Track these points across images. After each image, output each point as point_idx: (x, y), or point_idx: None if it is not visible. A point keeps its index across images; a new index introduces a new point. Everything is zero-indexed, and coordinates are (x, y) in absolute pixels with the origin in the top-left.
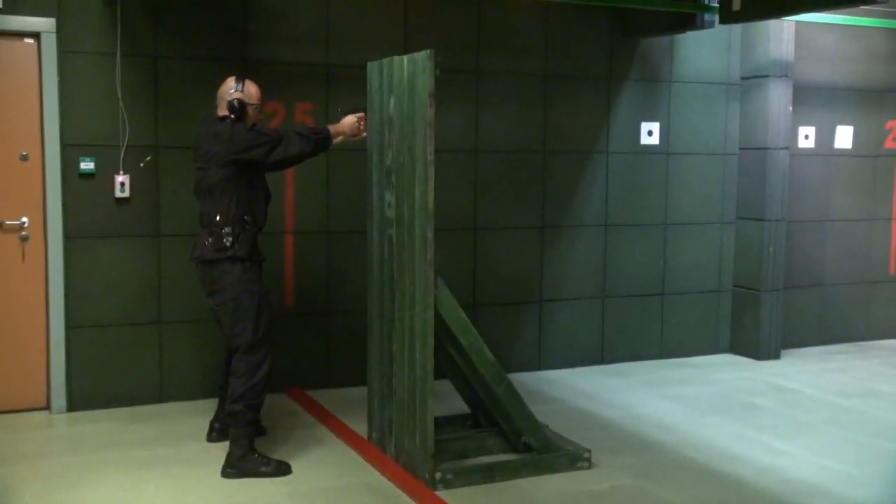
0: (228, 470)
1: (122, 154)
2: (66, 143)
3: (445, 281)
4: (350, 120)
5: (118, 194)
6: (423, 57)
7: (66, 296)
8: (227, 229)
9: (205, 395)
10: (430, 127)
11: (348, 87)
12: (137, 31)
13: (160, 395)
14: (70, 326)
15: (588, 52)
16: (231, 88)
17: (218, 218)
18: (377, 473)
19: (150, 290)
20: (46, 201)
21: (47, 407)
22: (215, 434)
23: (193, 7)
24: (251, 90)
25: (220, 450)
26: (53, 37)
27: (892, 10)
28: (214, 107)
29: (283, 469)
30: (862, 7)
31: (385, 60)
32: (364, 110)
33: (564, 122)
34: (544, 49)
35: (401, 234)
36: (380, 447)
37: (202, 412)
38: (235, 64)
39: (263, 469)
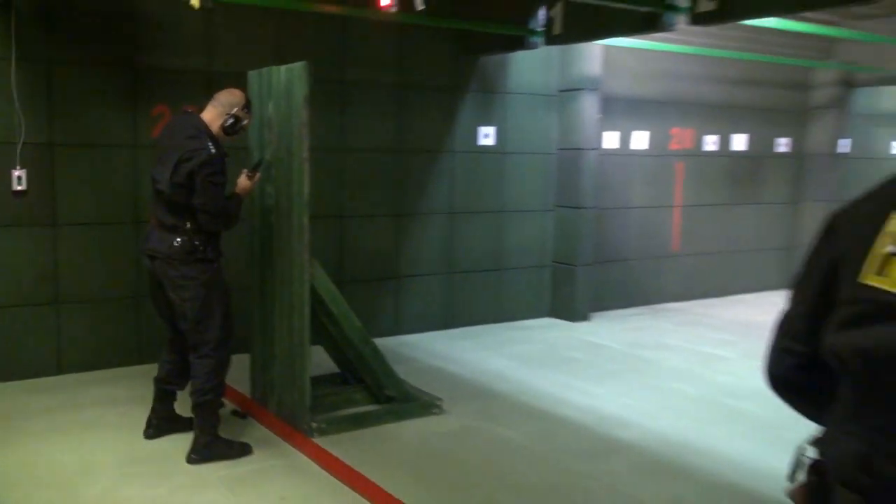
0: (193, 456)
1: (18, 150)
2: None
3: (319, 259)
4: (243, 183)
5: (15, 187)
6: (298, 67)
7: None
8: (196, 233)
9: (101, 367)
10: (305, 128)
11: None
12: (31, 37)
13: (58, 367)
14: None
15: (435, 67)
16: (239, 105)
17: (189, 224)
18: (260, 426)
19: (48, 273)
20: None
21: None
22: (152, 430)
23: (84, 17)
24: (251, 118)
25: (121, 413)
26: None
27: (677, 37)
28: (185, 110)
29: (245, 451)
30: (654, 34)
31: (265, 69)
32: (257, 167)
33: (416, 126)
34: (399, 64)
35: (279, 221)
36: (262, 404)
37: (100, 382)
38: (125, 70)
39: (227, 452)
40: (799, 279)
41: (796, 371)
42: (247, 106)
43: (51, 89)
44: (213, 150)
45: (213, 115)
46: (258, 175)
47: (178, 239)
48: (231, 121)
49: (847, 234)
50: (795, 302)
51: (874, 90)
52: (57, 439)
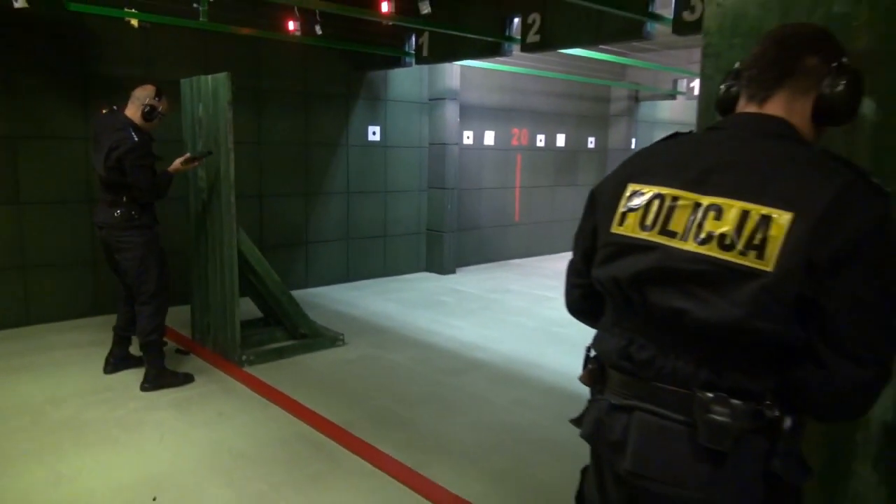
0: (146, 385)
1: None
2: None
3: (244, 229)
4: (175, 164)
5: None
6: (222, 76)
7: None
8: (132, 204)
9: (65, 318)
10: (230, 124)
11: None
12: None
13: (27, 319)
14: None
15: (333, 79)
16: (150, 95)
17: (124, 199)
18: (200, 360)
19: (13, 243)
20: None
21: None
22: (110, 367)
23: (41, 30)
24: (165, 104)
25: (83, 354)
26: None
27: (515, 60)
28: (114, 106)
29: (188, 379)
30: (497, 58)
31: (194, 78)
32: (200, 157)
33: (318, 125)
34: (304, 76)
35: (211, 199)
36: (201, 343)
37: (63, 330)
38: (76, 76)
39: (173, 381)
40: (576, 236)
41: (581, 299)
42: (158, 95)
43: (10, 91)
44: (136, 139)
45: (133, 109)
46: (196, 163)
47: (118, 211)
48: (147, 108)
49: (601, 201)
50: (575, 252)
51: (652, 103)
52: (27, 377)
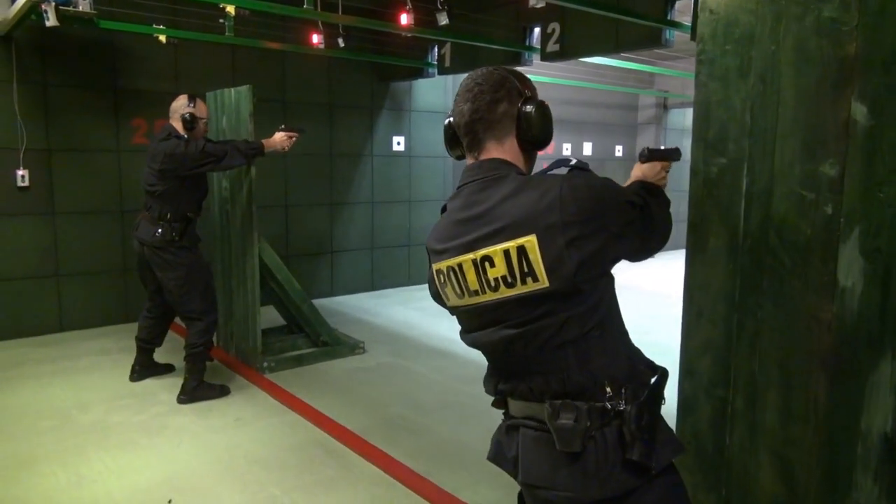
0: (182, 397)
1: (21, 155)
2: None
3: (266, 239)
4: (280, 136)
5: (20, 184)
6: (245, 89)
7: None
8: (175, 224)
9: (95, 325)
10: (251, 136)
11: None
12: (29, 64)
13: (60, 326)
14: None
15: (357, 90)
16: (185, 104)
17: (169, 216)
18: (222, 366)
19: (48, 252)
20: None
21: None
22: (136, 375)
23: (73, 47)
24: (201, 107)
25: (111, 360)
26: None
27: (538, 70)
28: (166, 122)
29: (224, 391)
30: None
31: (219, 91)
32: (297, 132)
33: (343, 136)
34: (328, 88)
35: (234, 209)
36: (224, 349)
37: (93, 337)
38: (108, 91)
39: (210, 393)
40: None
41: None
42: (191, 100)
43: (47, 106)
44: (185, 138)
45: (175, 121)
46: (294, 139)
47: (159, 230)
48: (187, 116)
49: (430, 277)
50: None
51: (681, 111)
52: (57, 381)
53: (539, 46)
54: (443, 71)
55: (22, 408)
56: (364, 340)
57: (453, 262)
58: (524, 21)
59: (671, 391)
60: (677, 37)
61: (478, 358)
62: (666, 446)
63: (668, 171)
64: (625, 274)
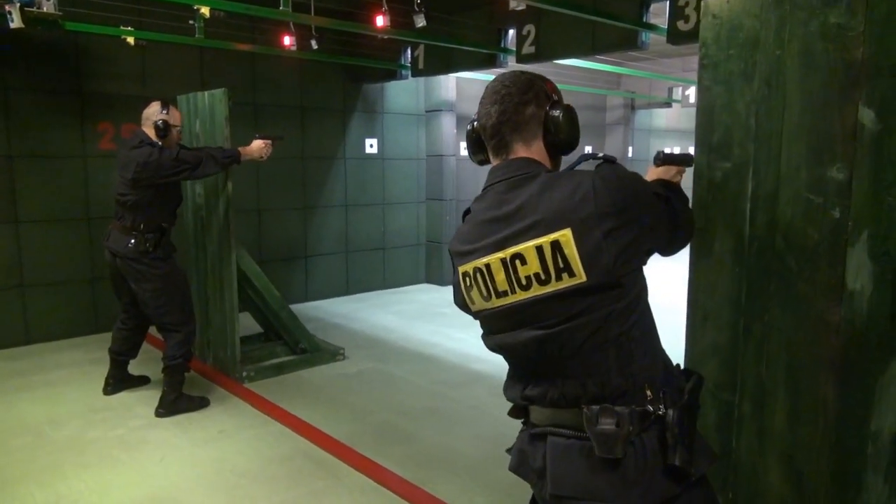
0: (161, 410)
1: None
2: None
3: (243, 244)
4: (258, 144)
5: None
6: (219, 93)
7: None
8: (148, 235)
9: (63, 337)
10: (227, 141)
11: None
12: None
13: (27, 339)
14: None
15: (329, 92)
16: (157, 111)
17: (142, 226)
18: (199, 376)
19: (12, 263)
20: None
21: None
22: (110, 388)
23: (37, 51)
24: (175, 114)
25: (83, 373)
26: None
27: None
28: (137, 128)
29: (203, 403)
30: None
31: (191, 94)
32: (274, 139)
33: (315, 139)
34: (300, 90)
35: (209, 214)
36: (201, 359)
37: (63, 349)
38: (73, 95)
39: (189, 406)
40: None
41: None
42: (164, 107)
43: (8, 110)
44: (160, 145)
45: (147, 128)
46: (270, 146)
47: (132, 240)
48: (160, 123)
49: (454, 281)
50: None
51: (648, 111)
52: (27, 396)
53: (514, 48)
54: (416, 73)
55: None
56: (344, 346)
57: (481, 262)
58: (499, 23)
59: None
60: (654, 39)
61: (462, 361)
62: (702, 455)
63: (682, 175)
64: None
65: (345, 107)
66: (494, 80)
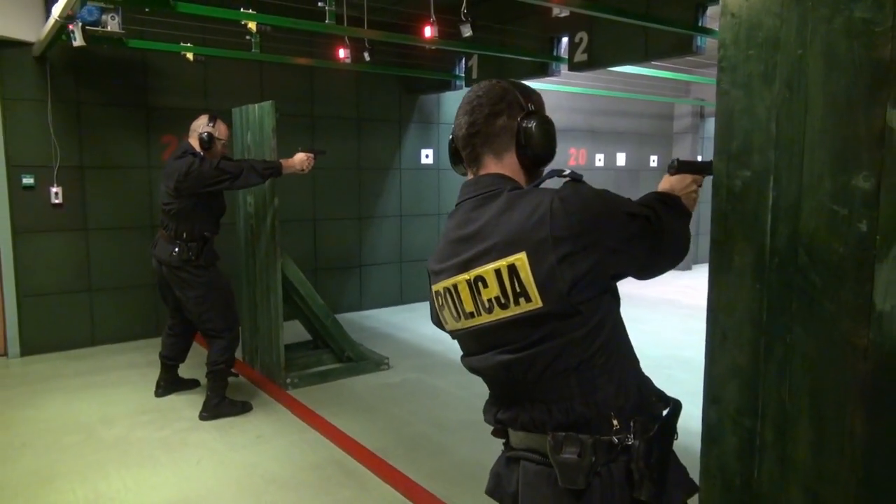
0: (204, 414)
1: (55, 172)
2: (12, 164)
3: (290, 254)
4: (301, 157)
5: (53, 201)
6: (268, 105)
7: (16, 274)
8: (191, 244)
9: (126, 339)
10: (274, 151)
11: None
12: (63, 83)
13: (92, 340)
14: (22, 295)
15: (385, 104)
16: (204, 124)
17: (185, 235)
18: (247, 381)
19: (81, 268)
20: None
21: (5, 353)
22: (160, 391)
23: (105, 67)
24: (221, 128)
25: (139, 374)
26: None
27: (568, 80)
28: (185, 139)
29: (246, 408)
30: (547, 78)
31: (244, 107)
32: (316, 153)
33: (371, 149)
34: (356, 101)
35: (258, 223)
36: (250, 365)
37: (124, 351)
38: (139, 108)
39: (232, 410)
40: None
41: None
42: (211, 120)
43: (80, 124)
44: (200, 156)
45: (193, 139)
46: (312, 160)
47: (175, 249)
48: (205, 135)
49: (430, 297)
50: None
51: None
52: (84, 396)
53: (566, 56)
54: (470, 83)
55: (48, 422)
56: (389, 356)
57: (449, 282)
58: (551, 31)
59: (696, 420)
60: (711, 44)
61: None
62: (677, 487)
63: (700, 185)
64: (662, 287)
65: (401, 117)
66: (470, 90)
